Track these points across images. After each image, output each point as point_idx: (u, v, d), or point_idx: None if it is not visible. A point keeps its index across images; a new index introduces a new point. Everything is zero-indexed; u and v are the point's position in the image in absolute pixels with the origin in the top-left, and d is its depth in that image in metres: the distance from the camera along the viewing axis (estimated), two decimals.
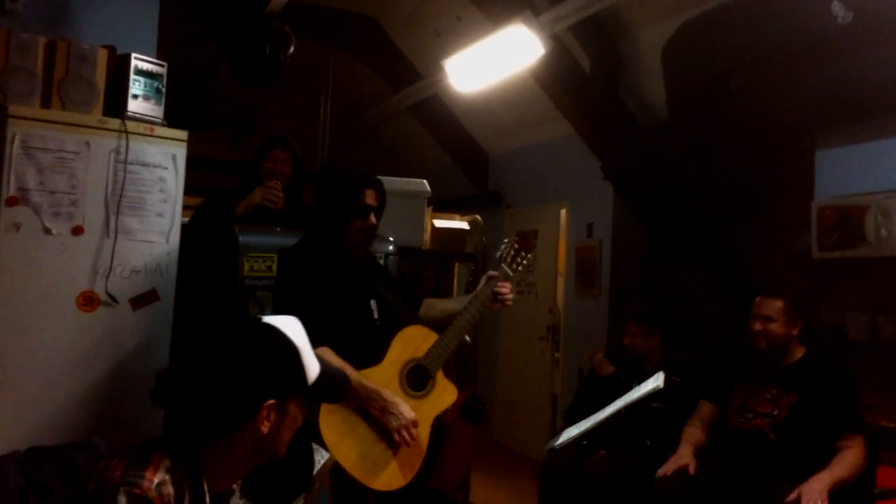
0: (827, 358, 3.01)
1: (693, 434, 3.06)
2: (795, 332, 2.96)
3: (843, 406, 2.84)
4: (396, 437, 2.37)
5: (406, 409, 2.40)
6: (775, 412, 2.88)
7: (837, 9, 3.23)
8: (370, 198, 2.54)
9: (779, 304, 2.95)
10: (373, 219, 2.55)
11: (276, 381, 1.46)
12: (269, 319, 1.53)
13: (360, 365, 2.40)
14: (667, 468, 2.90)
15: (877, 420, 3.13)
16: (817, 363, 2.96)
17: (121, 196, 2.79)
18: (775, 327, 2.94)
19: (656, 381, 2.97)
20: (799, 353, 2.99)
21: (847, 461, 2.76)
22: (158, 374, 1.49)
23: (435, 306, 2.79)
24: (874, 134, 3.76)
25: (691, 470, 2.88)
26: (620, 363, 3.68)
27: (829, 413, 2.82)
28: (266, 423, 1.44)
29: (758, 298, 3.04)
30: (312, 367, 1.52)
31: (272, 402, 1.44)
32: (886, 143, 3.70)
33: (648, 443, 3.26)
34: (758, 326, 2.96)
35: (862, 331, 3.58)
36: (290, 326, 1.53)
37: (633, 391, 3.09)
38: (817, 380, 2.89)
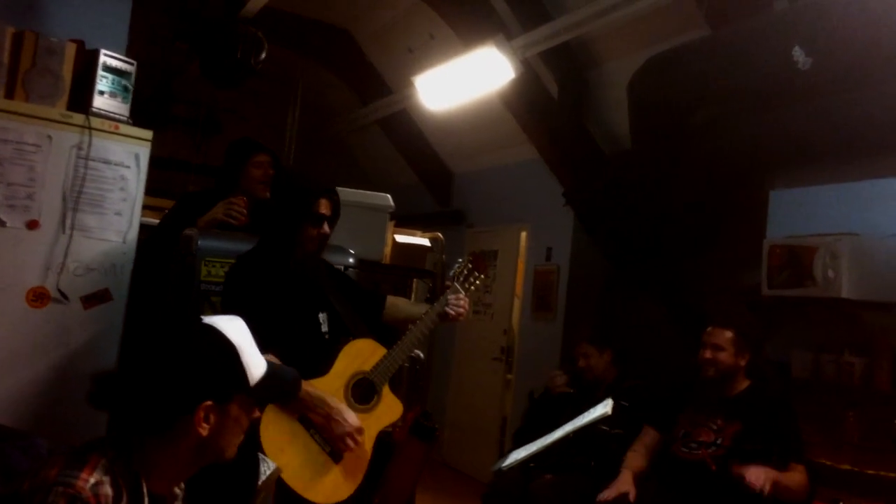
0: (770, 391, 3.10)
1: (635, 460, 3.10)
2: (743, 363, 3.04)
3: (786, 437, 2.92)
4: (341, 444, 2.36)
5: (351, 416, 2.39)
6: (719, 441, 2.94)
7: (798, 54, 3.33)
8: (324, 207, 2.53)
9: (729, 334, 3.04)
10: (326, 228, 2.54)
11: (212, 382, 1.44)
12: (210, 320, 1.52)
13: (305, 376, 2.39)
14: (607, 494, 2.93)
15: (816, 457, 3.21)
16: (760, 395, 3.04)
17: (80, 192, 2.76)
18: (724, 356, 3.02)
19: (605, 406, 3.02)
20: (743, 384, 3.07)
21: (792, 476, 2.84)
22: (94, 376, 1.47)
23: (400, 309, 2.79)
24: (827, 178, 3.88)
25: (631, 497, 2.93)
26: (574, 386, 3.72)
27: (770, 444, 2.89)
28: (204, 425, 1.43)
29: (709, 328, 3.12)
30: (256, 367, 1.51)
31: (209, 403, 1.43)
32: (838, 188, 3.82)
33: (593, 464, 3.30)
34: (708, 355, 3.04)
35: (805, 368, 3.67)
36: (233, 326, 1.52)
37: (581, 416, 3.13)
38: (760, 411, 2.97)
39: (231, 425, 1.48)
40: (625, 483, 2.98)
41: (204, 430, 1.43)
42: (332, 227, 2.57)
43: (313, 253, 2.57)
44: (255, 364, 1.51)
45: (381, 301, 2.79)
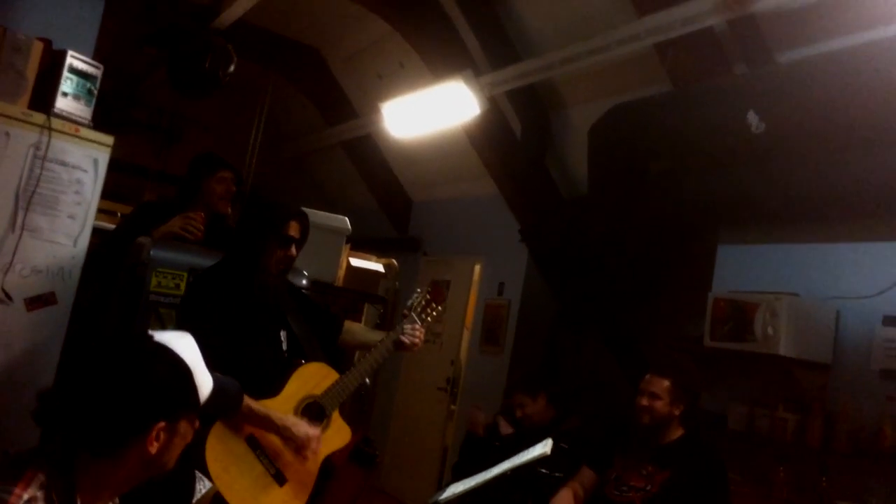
0: (702, 442, 3.16)
1: (572, 487, 3.14)
2: (678, 412, 3.10)
3: (713, 490, 2.97)
4: (302, 455, 2.38)
5: (304, 426, 2.40)
6: (648, 487, 2.99)
7: (752, 118, 3.46)
8: (294, 230, 2.55)
9: (666, 383, 3.09)
10: (293, 251, 2.55)
11: (167, 403, 1.44)
12: (161, 337, 1.52)
13: (263, 393, 2.38)
14: None
15: None
16: (692, 446, 3.10)
17: (34, 192, 2.71)
18: (660, 405, 3.07)
19: (544, 446, 3.04)
20: (677, 433, 3.12)
21: None
22: (41, 394, 1.45)
23: (356, 334, 2.80)
24: (774, 238, 4.01)
25: None
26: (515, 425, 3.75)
27: (697, 494, 2.95)
28: (155, 444, 1.42)
29: (647, 375, 3.17)
30: (205, 386, 1.51)
31: (163, 423, 1.42)
32: (784, 248, 3.95)
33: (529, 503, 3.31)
34: (644, 402, 3.09)
35: (741, 421, 3.76)
36: (183, 344, 1.52)
37: (520, 455, 3.15)
38: (690, 461, 3.02)
39: (178, 442, 1.48)
40: (564, 499, 3.00)
41: (153, 448, 1.42)
42: (298, 250, 2.58)
43: (278, 274, 2.57)
44: (204, 382, 1.52)
45: (339, 324, 2.80)
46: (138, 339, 1.51)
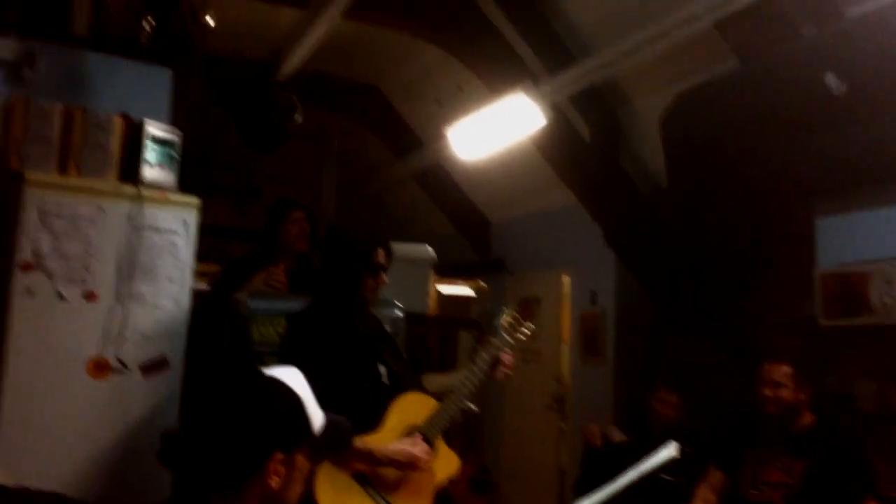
0: (837, 426, 3.00)
1: (705, 493, 3.02)
2: (804, 397, 2.96)
3: (857, 475, 2.81)
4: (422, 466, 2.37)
5: (407, 447, 2.38)
6: (788, 481, 2.85)
7: (831, 80, 3.32)
8: (381, 257, 2.56)
9: (786, 369, 2.96)
10: (384, 278, 2.57)
11: (283, 434, 1.45)
12: (270, 371, 1.53)
13: (363, 431, 2.37)
14: None
15: (884, 490, 3.09)
16: (827, 430, 2.95)
17: (133, 261, 2.81)
18: (785, 393, 2.94)
19: (670, 450, 2.93)
20: (808, 419, 2.98)
21: None
22: (164, 434, 1.49)
23: (434, 381, 2.76)
24: (873, 202, 3.81)
25: None
26: (632, 432, 3.65)
27: (841, 480, 2.79)
28: (275, 478, 1.42)
29: (765, 364, 3.04)
30: (317, 417, 1.51)
31: (280, 455, 1.43)
32: (886, 211, 3.74)
33: None
34: (768, 392, 2.96)
35: (871, 400, 3.55)
36: (291, 377, 1.52)
37: (646, 461, 3.04)
38: (828, 447, 2.87)
39: (297, 476, 1.48)
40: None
41: (275, 482, 1.43)
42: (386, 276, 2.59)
43: (371, 302, 2.59)
44: (316, 414, 1.52)
45: (421, 371, 2.78)
46: (251, 375, 1.53)
